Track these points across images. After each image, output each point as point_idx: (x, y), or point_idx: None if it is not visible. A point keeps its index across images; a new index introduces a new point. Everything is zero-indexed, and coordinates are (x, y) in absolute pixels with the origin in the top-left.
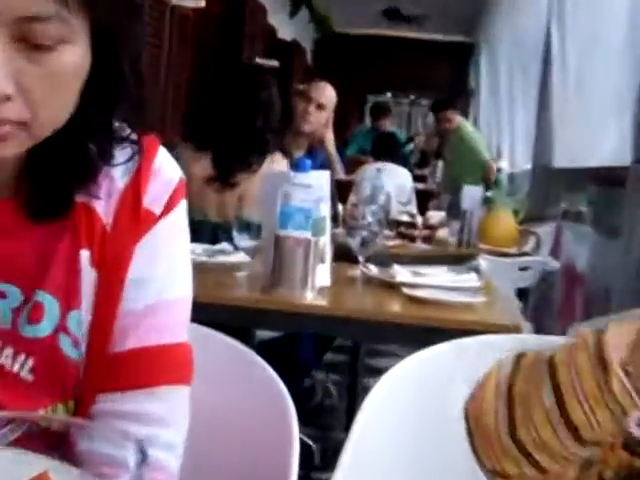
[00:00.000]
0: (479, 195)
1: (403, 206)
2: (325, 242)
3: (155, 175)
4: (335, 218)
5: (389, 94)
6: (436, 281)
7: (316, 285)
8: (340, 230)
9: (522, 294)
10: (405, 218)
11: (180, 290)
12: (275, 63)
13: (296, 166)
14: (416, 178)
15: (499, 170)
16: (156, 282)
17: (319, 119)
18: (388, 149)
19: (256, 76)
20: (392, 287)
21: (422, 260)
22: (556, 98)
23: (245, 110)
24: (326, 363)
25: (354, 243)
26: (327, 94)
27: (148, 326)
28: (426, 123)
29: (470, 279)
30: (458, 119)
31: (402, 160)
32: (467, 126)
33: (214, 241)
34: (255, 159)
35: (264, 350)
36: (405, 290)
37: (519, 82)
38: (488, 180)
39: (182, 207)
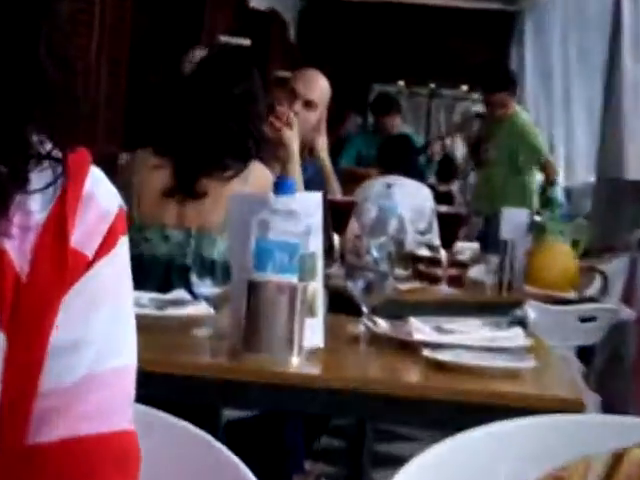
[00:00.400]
0: (524, 220)
1: (421, 235)
2: (316, 288)
3: (86, 205)
4: (330, 254)
5: (401, 82)
6: (468, 340)
7: (304, 347)
8: (337, 270)
9: (584, 354)
10: (425, 252)
11: (121, 359)
12: (246, 41)
13: (277, 186)
14: (439, 197)
15: (552, 183)
16: (89, 349)
17: (308, 121)
18: (400, 157)
19: (227, 61)
20: (408, 348)
21: (448, 310)
22: (628, 88)
23: (210, 109)
24: (320, 450)
25: (356, 288)
26: (319, 87)
27: (79, 409)
28: (451, 120)
29: (514, 336)
30: (514, 105)
31: (419, 173)
32: (525, 115)
33: (165, 285)
34: (230, 163)
35: (233, 433)
36: (426, 352)
37: (577, 66)
38: (548, 180)
39: (122, 246)
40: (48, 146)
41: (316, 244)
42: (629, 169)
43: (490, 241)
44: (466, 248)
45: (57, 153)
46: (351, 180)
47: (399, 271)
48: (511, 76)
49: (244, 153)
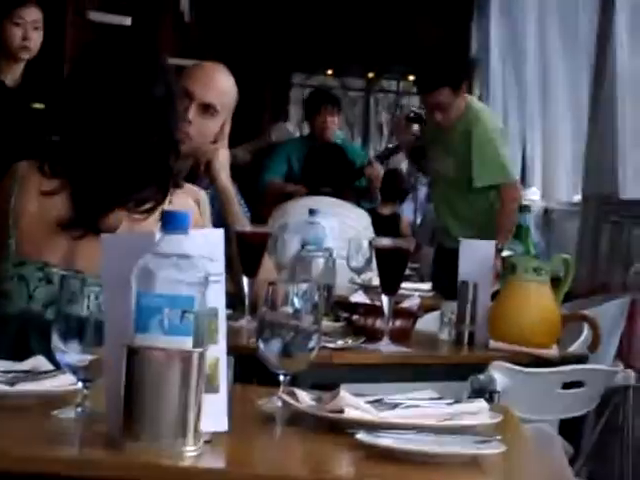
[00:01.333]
0: (490, 254)
1: (357, 275)
2: (218, 354)
3: None
4: (237, 303)
5: (329, 71)
6: (416, 417)
7: (203, 432)
8: (247, 324)
9: (570, 429)
10: (361, 298)
11: None
12: (125, 20)
13: (164, 219)
14: (382, 222)
15: (524, 209)
16: None
17: (205, 130)
18: (330, 172)
19: (120, 47)
20: (338, 430)
21: (392, 375)
22: (624, 76)
23: (117, 116)
24: None
25: (270, 351)
26: (220, 88)
27: None
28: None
29: (476, 411)
30: (463, 104)
31: (355, 193)
32: (482, 113)
33: (20, 348)
34: (149, 192)
35: None
36: (361, 437)
37: (558, 48)
38: (505, 209)
39: None
40: None
41: (217, 296)
42: (625, 186)
43: (444, 281)
44: (415, 291)
45: None
46: (277, 200)
47: (328, 323)
48: (456, 63)
49: (166, 176)
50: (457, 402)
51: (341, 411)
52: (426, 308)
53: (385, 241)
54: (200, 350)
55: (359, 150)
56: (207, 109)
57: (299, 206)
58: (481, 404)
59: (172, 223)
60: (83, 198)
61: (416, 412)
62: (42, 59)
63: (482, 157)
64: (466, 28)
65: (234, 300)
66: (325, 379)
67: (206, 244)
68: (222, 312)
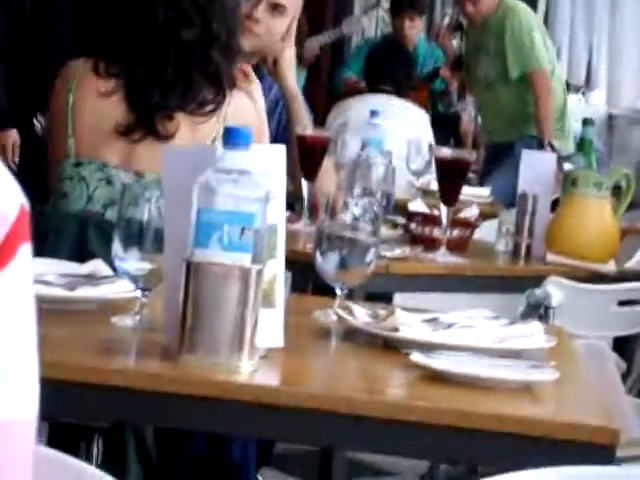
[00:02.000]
0: (551, 166)
1: (416, 177)
2: (276, 270)
3: None
4: (295, 202)
5: None
6: (471, 339)
7: (258, 348)
8: (304, 228)
9: (623, 347)
10: (420, 206)
11: (19, 408)
12: None
13: (226, 135)
14: (442, 124)
15: (587, 122)
16: None
17: (273, 28)
18: (391, 69)
19: None
20: (393, 349)
21: (447, 286)
22: None
23: (177, 15)
24: (278, 456)
25: (327, 264)
26: None
27: None
28: (434, 31)
29: (531, 334)
30: None
31: (431, 94)
32: (515, 8)
33: (81, 249)
34: (208, 94)
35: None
36: (414, 357)
37: None
38: (538, 101)
39: (23, 259)
40: None
41: (277, 214)
42: None
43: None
44: (473, 196)
45: None
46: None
47: (385, 231)
48: None
49: (223, 78)
50: (512, 323)
51: (396, 329)
52: (485, 215)
53: (445, 151)
54: (259, 267)
55: (438, 53)
56: (276, 7)
57: (360, 104)
58: (536, 326)
59: (234, 139)
60: (139, 100)
61: (471, 333)
62: None
63: (515, 46)
64: None
65: (294, 200)
66: (381, 288)
67: (267, 160)
68: (281, 228)
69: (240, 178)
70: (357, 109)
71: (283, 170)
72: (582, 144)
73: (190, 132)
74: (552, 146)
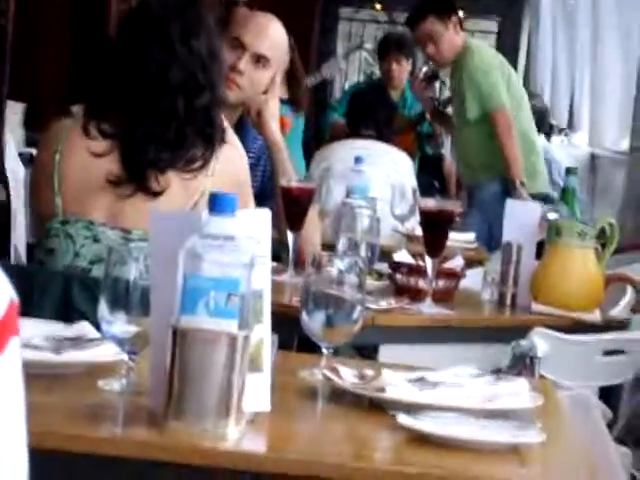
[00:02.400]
0: (535, 216)
1: (400, 223)
2: (262, 334)
3: None
4: (281, 250)
5: (378, 6)
6: (459, 399)
7: (245, 413)
8: (290, 280)
9: (608, 396)
10: (404, 256)
11: None
12: None
13: (212, 201)
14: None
15: (570, 171)
16: None
17: (257, 81)
18: (373, 114)
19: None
20: (380, 409)
21: (433, 338)
22: None
23: (168, 74)
24: None
25: (314, 324)
26: (273, 38)
27: None
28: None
29: (518, 392)
30: (456, 40)
31: (418, 137)
32: (476, 49)
33: (66, 306)
34: (194, 150)
35: None
36: (402, 420)
37: None
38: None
39: (12, 351)
40: None
41: (263, 278)
42: None
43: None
44: (458, 243)
45: None
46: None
47: (371, 282)
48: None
49: (212, 133)
50: (498, 380)
51: (383, 390)
52: (470, 261)
53: (430, 202)
54: (245, 333)
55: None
56: (259, 60)
57: (343, 150)
58: (522, 384)
59: (219, 205)
60: (133, 158)
61: (457, 392)
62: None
63: (471, 86)
64: None
65: (279, 250)
66: (366, 340)
67: (252, 224)
68: (267, 292)
69: (226, 244)
70: (341, 155)
71: (268, 234)
72: (566, 193)
73: (179, 188)
74: (523, 184)
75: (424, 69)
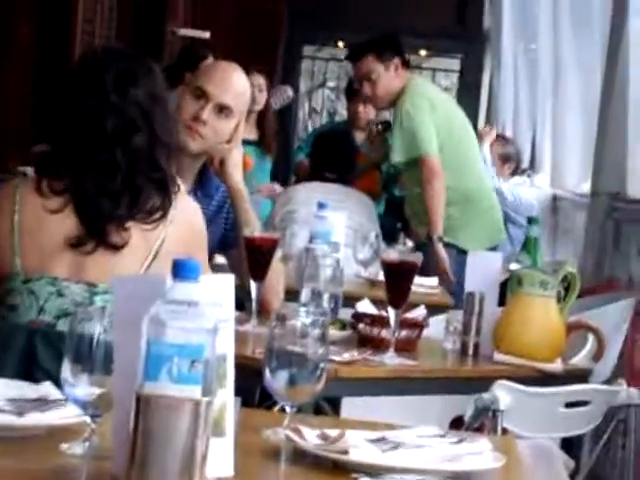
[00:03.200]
0: (497, 266)
1: (363, 268)
2: (225, 399)
3: None
4: (244, 298)
5: (340, 44)
6: (420, 460)
7: (208, 478)
8: (252, 329)
9: (570, 446)
10: (367, 307)
11: None
12: None
13: (176, 267)
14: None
15: (533, 221)
16: None
17: (220, 130)
18: (335, 157)
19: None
20: (343, 471)
21: (396, 389)
22: (635, 75)
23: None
24: None
25: (277, 383)
26: (236, 88)
27: None
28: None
29: (480, 450)
30: (394, 83)
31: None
32: (409, 91)
33: (29, 361)
34: (152, 201)
35: None
36: None
37: (570, 24)
38: (428, 196)
39: None
40: None
41: (226, 342)
42: (634, 183)
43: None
44: (419, 286)
45: None
46: (306, 179)
47: (334, 332)
48: (383, 35)
49: (164, 180)
50: (461, 441)
51: (346, 452)
52: (432, 305)
53: (392, 254)
54: (208, 399)
55: None
56: (222, 110)
57: (306, 194)
58: (484, 443)
59: (183, 271)
60: (89, 212)
61: (420, 453)
62: None
63: (398, 129)
64: (480, 5)
65: (242, 298)
66: (329, 393)
67: (216, 289)
68: (231, 356)
69: (189, 310)
70: (304, 199)
71: (232, 298)
72: (528, 242)
73: (140, 238)
74: (441, 239)
75: (378, 120)
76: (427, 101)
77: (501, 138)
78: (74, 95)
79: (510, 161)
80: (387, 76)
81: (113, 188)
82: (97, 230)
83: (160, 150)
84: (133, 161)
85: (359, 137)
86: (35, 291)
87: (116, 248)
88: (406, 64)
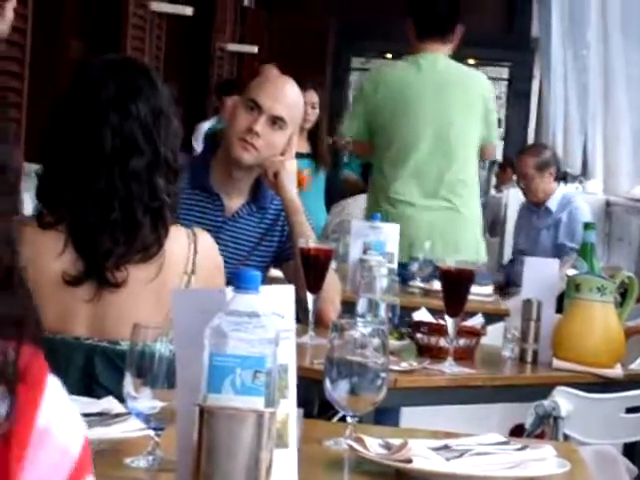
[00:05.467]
0: (554, 272)
1: (418, 279)
2: (288, 410)
3: (38, 443)
4: (300, 313)
5: (389, 55)
6: (485, 468)
7: None
8: (310, 340)
9: (632, 452)
10: (424, 315)
11: None
12: (187, 10)
13: (236, 278)
14: None
15: (589, 226)
16: None
17: (273, 142)
18: None
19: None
20: (407, 478)
21: (455, 398)
22: None
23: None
24: None
25: (338, 393)
26: (289, 100)
27: None
28: None
29: (543, 457)
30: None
31: None
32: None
33: (87, 378)
34: (149, 236)
35: None
36: None
37: (620, 39)
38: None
39: None
40: None
41: (287, 352)
42: None
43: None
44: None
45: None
46: (355, 194)
47: (392, 342)
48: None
49: (160, 207)
50: (524, 448)
51: (409, 461)
52: (488, 313)
53: (450, 263)
54: (272, 410)
55: None
56: (275, 122)
57: (358, 205)
58: (548, 450)
59: (243, 282)
60: (89, 251)
61: (484, 460)
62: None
63: None
64: (528, 12)
65: (298, 311)
66: (389, 403)
67: (276, 300)
68: (292, 367)
69: (251, 321)
70: (355, 210)
71: (292, 309)
72: (584, 248)
73: (143, 275)
74: None
75: None
76: (369, 84)
77: (532, 147)
78: (69, 114)
79: (549, 167)
80: None
81: (112, 218)
82: (95, 267)
83: (161, 173)
84: (129, 182)
85: None
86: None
87: (116, 286)
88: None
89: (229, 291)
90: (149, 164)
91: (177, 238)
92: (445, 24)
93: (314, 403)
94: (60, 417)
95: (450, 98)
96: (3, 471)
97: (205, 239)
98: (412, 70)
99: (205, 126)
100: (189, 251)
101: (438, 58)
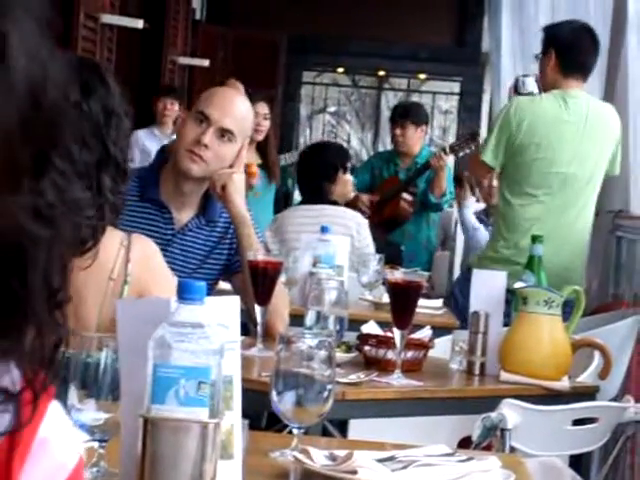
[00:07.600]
0: (501, 285)
1: (368, 290)
2: (233, 421)
3: (39, 450)
4: (249, 325)
5: (340, 69)
6: (429, 476)
7: None
8: (258, 353)
9: (578, 464)
10: (372, 328)
11: None
12: (138, 22)
13: (181, 289)
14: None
15: (536, 239)
16: None
17: (222, 155)
18: (319, 171)
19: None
20: None
21: (403, 410)
22: (634, 94)
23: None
24: None
25: (284, 405)
26: (238, 112)
27: None
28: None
29: (488, 468)
30: None
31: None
32: None
33: None
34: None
35: None
36: None
37: None
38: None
39: None
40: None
41: (233, 364)
42: (637, 200)
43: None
44: (424, 307)
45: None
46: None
47: (339, 354)
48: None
49: (105, 211)
50: (469, 459)
51: (354, 472)
52: (436, 326)
53: (397, 275)
54: (216, 420)
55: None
56: (224, 134)
57: (305, 217)
58: (493, 461)
59: (188, 293)
60: None
61: (429, 471)
62: None
63: None
64: (479, 27)
65: (247, 324)
66: (336, 415)
67: (221, 311)
68: (237, 378)
69: (195, 332)
70: (305, 222)
71: (237, 320)
72: (531, 261)
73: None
74: None
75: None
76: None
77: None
78: None
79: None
80: None
81: None
82: None
83: (109, 172)
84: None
85: (403, 163)
86: None
87: None
88: None
89: (173, 302)
90: (98, 162)
91: (108, 240)
92: (592, 65)
93: (262, 416)
94: (59, 430)
95: (590, 145)
96: (5, 474)
97: (142, 248)
98: (561, 107)
99: (140, 134)
100: (117, 257)
101: (584, 98)
